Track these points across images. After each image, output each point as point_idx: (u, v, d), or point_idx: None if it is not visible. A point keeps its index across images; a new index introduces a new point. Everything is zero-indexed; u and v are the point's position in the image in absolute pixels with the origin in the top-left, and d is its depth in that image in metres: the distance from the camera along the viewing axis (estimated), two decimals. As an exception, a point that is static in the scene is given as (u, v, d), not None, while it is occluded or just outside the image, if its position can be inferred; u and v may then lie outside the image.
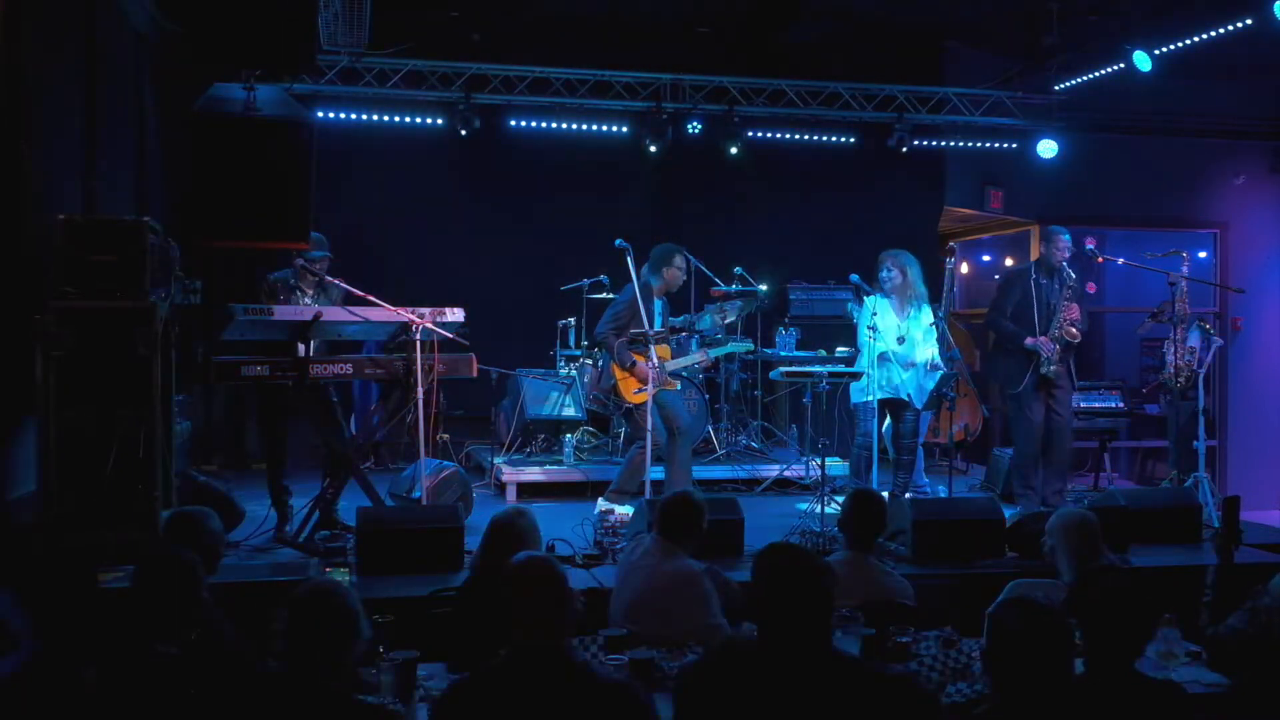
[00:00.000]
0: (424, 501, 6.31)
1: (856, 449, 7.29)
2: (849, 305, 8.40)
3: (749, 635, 3.16)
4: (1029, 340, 7.18)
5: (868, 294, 7.26)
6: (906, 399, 7.14)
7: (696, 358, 7.60)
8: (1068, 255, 7.25)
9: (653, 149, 9.78)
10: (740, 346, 8.24)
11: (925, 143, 10.36)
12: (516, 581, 2.80)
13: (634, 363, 6.89)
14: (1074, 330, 7.15)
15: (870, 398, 6.98)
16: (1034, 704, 2.74)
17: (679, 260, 7.22)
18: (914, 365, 7.11)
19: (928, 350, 7.15)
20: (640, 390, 6.81)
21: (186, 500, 5.54)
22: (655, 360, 6.70)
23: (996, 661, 2.83)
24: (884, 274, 7.18)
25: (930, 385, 7.17)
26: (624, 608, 4.14)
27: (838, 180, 10.53)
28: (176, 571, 3.41)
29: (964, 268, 12.25)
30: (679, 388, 7.38)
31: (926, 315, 7.23)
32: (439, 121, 9.51)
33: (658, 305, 7.16)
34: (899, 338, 7.07)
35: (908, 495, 7.10)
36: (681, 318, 8.62)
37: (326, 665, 2.71)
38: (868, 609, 3.84)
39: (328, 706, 2.68)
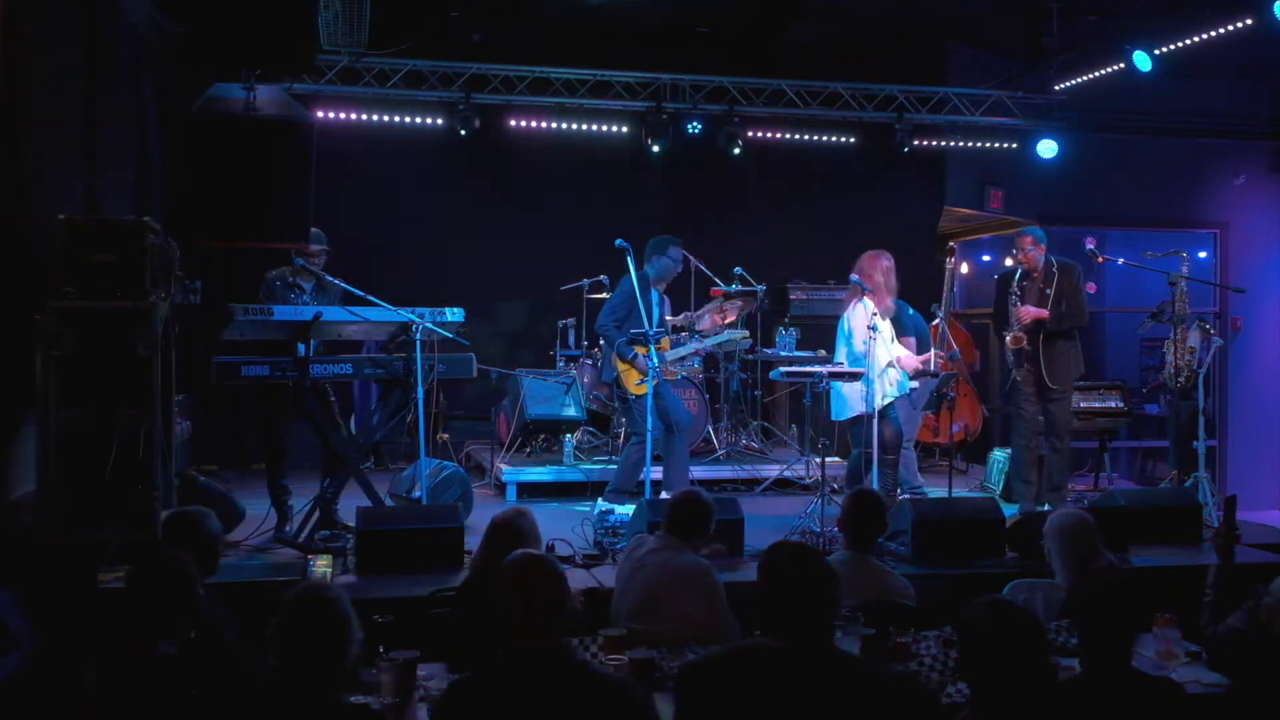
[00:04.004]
0: (424, 501, 6.31)
1: (855, 457, 7.17)
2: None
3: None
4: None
5: (867, 293, 7.23)
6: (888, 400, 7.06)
7: (694, 346, 7.60)
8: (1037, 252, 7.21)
9: (653, 149, 9.78)
10: (734, 335, 8.19)
11: (925, 143, 10.36)
12: (510, 580, 2.79)
13: (635, 355, 6.91)
14: (1024, 318, 7.00)
15: (869, 410, 6.80)
16: (1013, 703, 2.74)
17: (674, 250, 7.23)
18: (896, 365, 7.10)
19: (900, 346, 7.16)
20: (642, 382, 6.83)
21: (186, 500, 5.54)
22: (655, 361, 6.71)
23: (970, 663, 2.83)
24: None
25: (907, 381, 7.13)
26: (630, 606, 4.12)
27: (838, 180, 10.53)
28: (169, 572, 3.41)
29: (964, 268, 12.25)
30: (679, 377, 7.37)
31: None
32: (439, 121, 9.50)
33: (655, 297, 7.17)
34: (892, 338, 7.07)
35: (904, 496, 7.07)
36: (681, 316, 8.62)
37: (318, 669, 2.70)
38: (868, 609, 3.83)
39: (318, 711, 2.67)
